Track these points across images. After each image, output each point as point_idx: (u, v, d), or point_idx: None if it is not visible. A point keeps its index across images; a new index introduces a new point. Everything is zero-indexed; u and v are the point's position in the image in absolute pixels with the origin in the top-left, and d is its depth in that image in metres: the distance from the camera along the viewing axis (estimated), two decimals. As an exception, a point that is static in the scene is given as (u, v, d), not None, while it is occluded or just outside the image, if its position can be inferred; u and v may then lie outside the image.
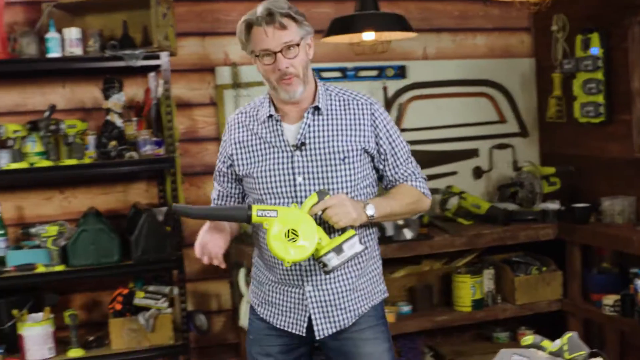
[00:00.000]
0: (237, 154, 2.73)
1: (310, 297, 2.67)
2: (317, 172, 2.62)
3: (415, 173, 2.77)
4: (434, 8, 4.87)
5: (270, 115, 2.66)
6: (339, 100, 2.69)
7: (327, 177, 2.62)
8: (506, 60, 5.13)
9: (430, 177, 4.95)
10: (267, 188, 2.65)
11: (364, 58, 4.65)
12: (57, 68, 4.11)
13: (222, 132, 4.40)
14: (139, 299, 4.12)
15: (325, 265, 2.46)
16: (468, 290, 4.51)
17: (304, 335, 2.71)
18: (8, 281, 4.04)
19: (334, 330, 2.70)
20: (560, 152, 5.05)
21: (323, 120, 2.65)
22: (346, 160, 2.62)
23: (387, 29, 3.96)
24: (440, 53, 4.97)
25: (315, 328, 2.69)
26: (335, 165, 2.62)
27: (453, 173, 5.02)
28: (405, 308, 4.50)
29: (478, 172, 5.08)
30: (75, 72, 4.31)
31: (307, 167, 2.62)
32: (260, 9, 2.54)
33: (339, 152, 2.62)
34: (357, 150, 2.64)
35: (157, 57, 4.07)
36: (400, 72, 4.85)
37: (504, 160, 5.14)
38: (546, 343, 2.17)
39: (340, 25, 4.03)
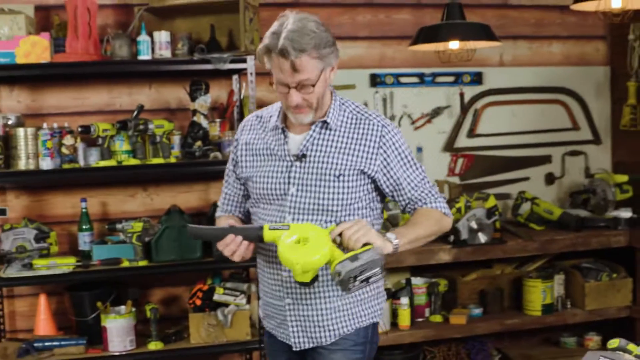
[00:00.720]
0: (242, 155, 2.76)
1: (290, 309, 2.68)
2: (311, 186, 2.59)
3: (433, 194, 2.70)
4: (511, 15, 4.91)
5: (277, 125, 2.67)
6: (352, 118, 2.64)
7: (320, 192, 2.59)
8: (581, 68, 5.15)
9: (502, 183, 5.01)
10: (260, 194, 2.67)
11: (443, 65, 4.73)
12: (147, 70, 4.22)
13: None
14: (219, 295, 4.22)
15: (339, 274, 2.33)
16: (539, 294, 4.56)
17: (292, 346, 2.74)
18: (93, 274, 4.18)
19: (311, 345, 2.71)
20: (633, 160, 5.06)
21: (329, 135, 2.62)
22: (341, 178, 2.59)
23: (472, 38, 4.03)
24: (517, 60, 5.01)
25: (293, 340, 2.71)
26: (330, 181, 2.58)
27: (525, 179, 5.06)
28: (476, 310, 4.56)
29: (550, 179, 5.12)
30: (162, 74, 4.45)
31: (303, 179, 2.60)
32: (282, 38, 2.43)
33: (335, 168, 2.59)
34: (353, 169, 2.60)
35: (244, 61, 4.18)
36: (477, 79, 4.90)
37: (576, 167, 5.17)
38: (632, 347, 2.20)
39: (428, 34, 4.10)
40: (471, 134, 4.94)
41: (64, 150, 4.15)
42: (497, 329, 4.51)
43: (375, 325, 2.79)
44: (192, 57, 4.21)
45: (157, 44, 4.22)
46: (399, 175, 2.64)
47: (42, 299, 4.35)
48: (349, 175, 2.59)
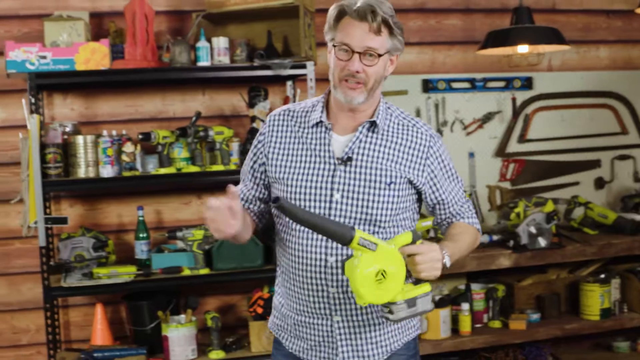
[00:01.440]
0: (274, 153, 2.50)
1: (340, 328, 2.46)
2: (358, 193, 2.40)
3: (470, 208, 2.61)
4: (559, 20, 4.91)
5: (321, 122, 2.46)
6: (398, 124, 2.48)
7: (368, 200, 2.40)
8: (629, 72, 5.15)
9: (553, 187, 5.01)
10: (300, 200, 2.42)
11: (494, 70, 4.75)
12: (206, 77, 4.19)
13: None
14: (280, 302, 4.18)
15: (391, 312, 2.22)
16: (597, 299, 4.54)
17: None
18: (154, 283, 4.15)
19: None
20: (683, 164, 5.08)
21: (377, 138, 2.44)
22: (392, 185, 2.41)
23: (541, 42, 4.02)
24: (565, 65, 5.01)
25: None
26: (380, 189, 2.40)
27: (575, 183, 5.05)
28: (534, 316, 4.53)
29: (600, 183, 5.11)
30: (216, 80, 4.42)
31: (349, 184, 2.40)
32: (362, 1, 2.31)
33: (385, 175, 2.41)
34: (403, 178, 2.43)
35: (303, 67, 4.16)
36: (527, 84, 4.90)
37: (625, 171, 5.16)
38: None
39: (497, 38, 4.09)
40: (522, 139, 4.94)
41: (124, 157, 4.11)
42: (556, 334, 4.48)
43: (417, 338, 2.65)
44: (251, 63, 4.18)
45: (216, 50, 4.20)
46: (444, 189, 2.52)
47: (99, 309, 4.30)
48: (400, 183, 2.42)
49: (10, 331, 4.47)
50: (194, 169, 4.16)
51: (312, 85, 4.17)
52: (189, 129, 4.14)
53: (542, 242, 4.35)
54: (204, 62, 4.16)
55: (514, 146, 4.93)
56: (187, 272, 4.16)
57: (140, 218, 4.30)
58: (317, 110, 2.47)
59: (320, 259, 2.42)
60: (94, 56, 4.01)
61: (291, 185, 2.44)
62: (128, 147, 4.11)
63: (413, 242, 2.25)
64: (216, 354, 4.18)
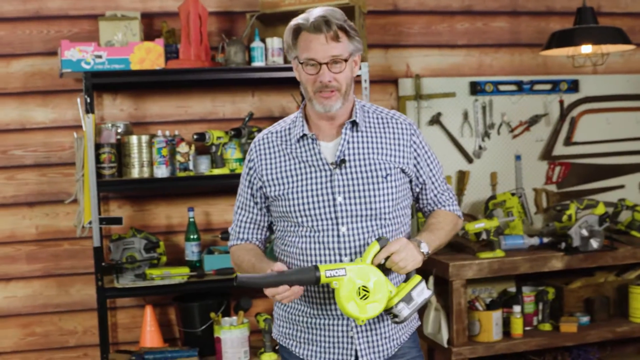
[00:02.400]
0: (268, 174, 2.58)
1: (355, 326, 2.53)
2: (359, 191, 2.49)
3: (450, 196, 2.73)
4: (603, 22, 4.88)
5: (304, 134, 2.54)
6: (377, 118, 2.59)
7: (369, 196, 2.50)
8: (673, 75, 5.15)
9: (598, 190, 5.00)
10: (305, 210, 2.50)
11: (541, 72, 4.75)
12: (260, 77, 4.17)
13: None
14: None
15: (396, 316, 2.37)
16: (646, 302, 4.52)
17: None
18: (208, 284, 4.12)
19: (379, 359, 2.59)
20: None
21: (362, 136, 2.54)
22: (388, 178, 2.52)
23: (606, 42, 4.01)
24: (610, 68, 5.00)
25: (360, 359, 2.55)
26: (378, 183, 2.50)
27: (621, 186, 5.04)
28: (584, 319, 4.51)
29: (645, 186, 5.11)
30: (266, 81, 4.39)
31: (348, 185, 2.49)
32: (314, 15, 2.42)
33: (381, 169, 2.51)
34: (396, 168, 2.54)
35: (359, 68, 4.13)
36: (574, 86, 4.88)
37: (671, 174, 5.16)
38: None
39: (561, 39, 4.08)
40: (568, 141, 4.92)
41: (178, 157, 4.10)
42: (608, 337, 4.45)
43: (417, 331, 2.77)
44: (306, 64, 4.15)
45: (270, 51, 4.19)
46: (426, 174, 2.65)
47: (149, 310, 4.27)
48: (395, 174, 2.54)
49: (57, 333, 4.44)
50: (247, 169, 4.13)
51: (366, 87, 4.16)
52: (243, 129, 4.12)
53: (594, 244, 4.33)
54: (258, 63, 4.15)
55: (560, 149, 4.92)
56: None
57: (191, 219, 4.28)
58: (298, 125, 2.57)
59: (335, 261, 2.49)
60: (148, 56, 4.00)
61: (293, 199, 2.52)
62: (183, 148, 4.09)
63: (382, 247, 2.38)
64: (268, 356, 4.15)
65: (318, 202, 2.50)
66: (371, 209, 2.51)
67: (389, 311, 2.37)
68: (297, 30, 2.46)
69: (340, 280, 2.32)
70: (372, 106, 2.65)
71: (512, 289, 4.58)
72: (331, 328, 2.56)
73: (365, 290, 2.31)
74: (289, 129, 2.61)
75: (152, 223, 4.48)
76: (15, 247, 4.36)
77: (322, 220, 2.50)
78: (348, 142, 2.53)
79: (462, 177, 4.76)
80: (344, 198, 2.49)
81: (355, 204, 2.50)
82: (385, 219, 2.54)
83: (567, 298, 4.58)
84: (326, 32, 2.40)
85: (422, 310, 4.46)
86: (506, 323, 4.35)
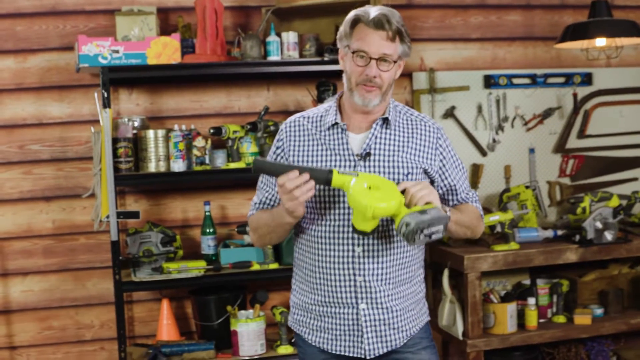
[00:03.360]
0: (295, 155, 2.65)
1: (365, 315, 2.61)
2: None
3: (474, 196, 2.80)
4: (617, 16, 4.88)
5: (336, 123, 2.62)
6: (407, 119, 2.67)
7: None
8: (688, 68, 5.15)
9: (612, 183, 5.00)
10: (325, 196, 2.58)
11: (554, 65, 4.77)
12: (276, 71, 4.19)
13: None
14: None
15: (407, 224, 2.32)
16: (660, 294, 4.54)
17: (364, 357, 2.65)
18: (225, 278, 4.15)
19: (386, 350, 2.65)
20: None
21: (390, 134, 2.62)
22: (409, 176, 2.59)
23: (620, 35, 4.02)
24: (623, 61, 5.00)
25: (367, 347, 2.63)
26: (399, 180, 2.57)
27: (634, 179, 5.04)
28: (598, 311, 4.52)
29: (658, 179, 5.12)
30: (282, 75, 4.41)
31: None
32: (375, 11, 2.50)
33: (403, 167, 2.59)
34: (419, 168, 2.62)
35: (373, 61, 4.14)
36: (587, 79, 4.89)
37: (683, 167, 5.16)
38: None
39: (575, 32, 4.09)
40: (581, 134, 4.93)
41: (195, 152, 4.12)
42: (622, 329, 4.46)
43: (429, 323, 2.83)
44: (322, 58, 4.18)
45: (285, 45, 4.20)
46: (453, 178, 2.71)
47: (165, 304, 4.30)
48: (416, 173, 2.61)
49: (74, 327, 4.47)
50: (263, 163, 4.14)
51: (381, 80, 4.16)
52: (259, 123, 4.14)
53: (608, 236, 4.34)
54: (274, 57, 4.17)
55: (573, 142, 4.93)
56: (256, 266, 4.16)
57: (207, 213, 4.30)
58: (331, 113, 2.64)
59: (348, 250, 2.58)
60: (165, 50, 4.01)
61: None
62: (199, 142, 4.11)
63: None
64: (285, 349, 4.17)
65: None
66: None
67: (401, 222, 2.34)
68: (356, 21, 2.52)
69: (350, 179, 2.39)
70: (404, 107, 2.74)
71: (527, 282, 4.59)
72: (342, 316, 2.63)
73: (375, 188, 2.37)
74: (321, 116, 2.68)
75: (169, 217, 4.50)
76: (32, 242, 4.38)
77: (339, 208, 2.57)
78: (376, 137, 2.61)
79: (476, 170, 4.77)
80: None
81: None
82: None
83: (581, 290, 4.59)
84: (385, 30, 2.48)
85: (436, 303, 4.48)
86: (520, 315, 4.37)
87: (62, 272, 4.43)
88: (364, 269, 2.58)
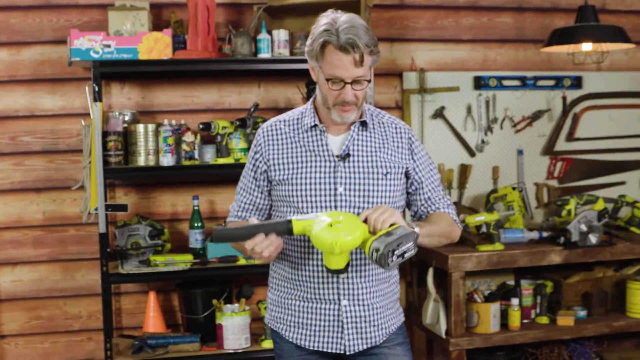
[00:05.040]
0: (274, 158, 2.69)
1: (347, 311, 2.66)
2: (359, 184, 2.62)
3: (446, 200, 2.81)
4: (608, 20, 4.93)
5: (315, 125, 2.67)
6: (379, 122, 2.73)
7: (368, 190, 2.62)
8: (677, 73, 5.18)
9: (599, 186, 5.04)
10: (307, 196, 2.62)
11: (544, 68, 4.80)
12: (266, 69, 4.22)
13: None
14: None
15: (376, 249, 2.33)
16: (643, 297, 4.57)
17: (341, 352, 2.70)
18: (210, 272, 4.19)
19: (365, 346, 2.70)
20: None
21: (368, 135, 2.68)
22: (388, 175, 2.65)
23: (606, 40, 4.05)
24: (614, 65, 5.04)
25: (347, 343, 2.68)
26: (378, 179, 2.63)
27: (622, 183, 5.08)
28: (581, 313, 4.56)
29: (645, 183, 5.15)
30: (272, 73, 4.44)
31: (350, 178, 2.62)
32: (343, 33, 2.46)
33: (382, 166, 2.65)
34: (398, 168, 2.69)
35: (363, 60, 4.18)
36: (577, 83, 4.92)
37: (671, 172, 5.20)
38: None
39: (562, 36, 4.13)
40: (570, 137, 4.96)
41: (184, 147, 4.16)
42: (604, 331, 4.50)
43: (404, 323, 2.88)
44: (312, 56, 4.20)
45: (276, 43, 4.24)
46: (423, 175, 2.75)
47: (152, 296, 4.35)
48: (395, 173, 2.67)
49: (62, 317, 4.52)
50: (251, 159, 4.18)
51: (371, 79, 4.19)
52: (248, 120, 4.18)
53: (592, 239, 4.38)
54: (264, 54, 4.21)
55: (562, 145, 4.96)
56: (242, 261, 4.20)
57: (196, 207, 4.34)
58: (309, 115, 2.69)
59: None
60: (156, 46, 4.06)
61: (297, 184, 2.64)
62: (188, 137, 4.15)
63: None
64: (269, 343, 4.21)
65: (320, 189, 2.62)
66: (368, 202, 2.62)
67: (371, 249, 2.35)
68: (324, 44, 2.51)
69: (311, 222, 2.41)
70: (376, 110, 2.79)
71: (512, 282, 4.64)
72: (323, 312, 2.68)
73: (337, 224, 2.37)
74: (298, 119, 2.73)
75: (158, 210, 4.55)
76: (22, 232, 4.43)
77: (321, 208, 2.62)
78: (354, 139, 2.67)
79: (464, 170, 4.81)
80: (345, 189, 2.61)
81: (355, 195, 2.62)
82: None
83: (566, 292, 4.63)
84: (353, 54, 2.48)
85: (422, 301, 4.52)
86: (504, 315, 4.41)
87: (52, 262, 4.48)
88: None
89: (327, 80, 2.54)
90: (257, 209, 2.79)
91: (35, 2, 4.34)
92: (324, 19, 2.54)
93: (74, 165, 4.43)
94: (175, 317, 4.56)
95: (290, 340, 2.76)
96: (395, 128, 2.74)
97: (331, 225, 2.37)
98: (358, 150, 2.66)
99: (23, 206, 4.42)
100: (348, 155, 2.64)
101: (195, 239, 4.35)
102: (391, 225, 2.41)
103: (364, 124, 2.69)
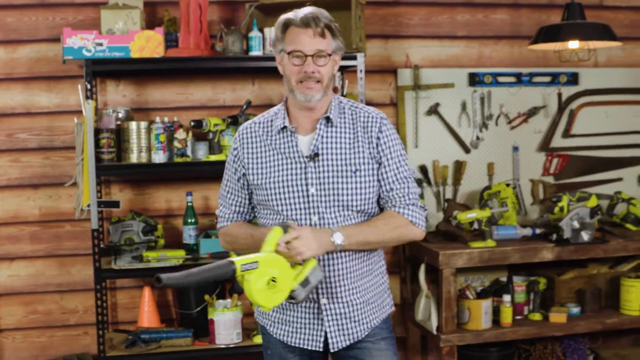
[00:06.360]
0: (250, 162, 2.74)
1: (326, 309, 2.70)
2: (330, 184, 2.64)
3: (408, 198, 2.72)
4: (606, 16, 4.92)
5: (285, 127, 2.70)
6: (351, 113, 2.73)
7: (339, 189, 2.65)
8: (675, 69, 5.15)
9: (596, 183, 5.03)
10: (281, 199, 2.67)
11: (540, 65, 4.79)
12: (258, 66, 4.25)
13: (401, 132, 4.56)
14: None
15: (293, 298, 2.50)
16: (637, 294, 4.54)
17: (320, 350, 2.75)
18: (202, 267, 4.21)
19: (348, 342, 2.74)
20: None
21: (335, 132, 2.70)
22: (357, 173, 2.66)
23: (592, 38, 4.05)
24: (611, 61, 5.02)
25: (330, 341, 2.72)
26: (347, 177, 2.65)
27: (618, 179, 5.07)
28: (575, 309, 4.56)
29: (642, 179, 5.14)
30: (265, 70, 4.46)
31: (320, 178, 2.65)
32: (304, 12, 2.62)
33: (351, 164, 2.66)
34: (368, 164, 2.68)
35: (354, 58, 4.20)
36: (573, 79, 4.91)
37: (668, 168, 5.17)
38: None
39: (549, 34, 4.13)
40: (566, 134, 4.96)
41: (176, 144, 4.19)
42: (597, 328, 4.50)
43: (390, 316, 2.90)
44: (303, 54, 4.22)
45: (268, 40, 4.26)
46: (386, 165, 2.71)
47: (147, 291, 4.39)
48: (365, 169, 2.67)
49: (59, 311, 4.57)
50: (243, 156, 4.21)
51: (361, 77, 4.22)
52: (240, 117, 4.21)
53: (585, 236, 4.37)
54: (256, 52, 4.24)
55: (558, 141, 4.96)
56: (234, 256, 4.21)
57: (189, 203, 4.38)
58: (280, 117, 2.73)
59: None
60: (148, 44, 4.09)
61: (271, 188, 2.69)
62: (180, 134, 4.18)
63: (285, 232, 2.52)
64: (260, 338, 4.21)
65: (293, 192, 2.67)
66: (340, 200, 2.66)
67: (289, 296, 2.51)
68: (286, 25, 2.65)
69: (252, 273, 2.43)
70: (350, 102, 2.80)
71: (504, 279, 4.64)
72: (303, 310, 2.73)
73: (273, 281, 2.43)
74: (271, 120, 2.77)
75: (152, 207, 4.59)
76: (19, 228, 4.49)
77: (296, 209, 2.67)
78: (322, 137, 2.69)
79: (459, 167, 4.82)
80: (316, 190, 2.65)
81: (327, 195, 2.65)
82: (353, 210, 2.69)
83: (559, 289, 4.63)
84: (314, 28, 2.59)
85: (414, 297, 4.54)
86: (496, 312, 4.42)
87: (48, 258, 4.53)
88: (325, 265, 2.67)
89: (289, 54, 2.62)
90: (245, 209, 2.86)
91: (31, 1, 4.39)
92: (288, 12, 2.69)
93: (69, 162, 4.48)
94: (170, 312, 4.60)
95: (275, 336, 2.82)
96: (368, 118, 2.73)
97: (268, 284, 2.43)
98: (326, 149, 2.68)
99: (20, 202, 4.48)
100: (317, 155, 2.67)
101: (188, 234, 4.39)
102: (304, 261, 2.53)
103: (328, 120, 2.70)
